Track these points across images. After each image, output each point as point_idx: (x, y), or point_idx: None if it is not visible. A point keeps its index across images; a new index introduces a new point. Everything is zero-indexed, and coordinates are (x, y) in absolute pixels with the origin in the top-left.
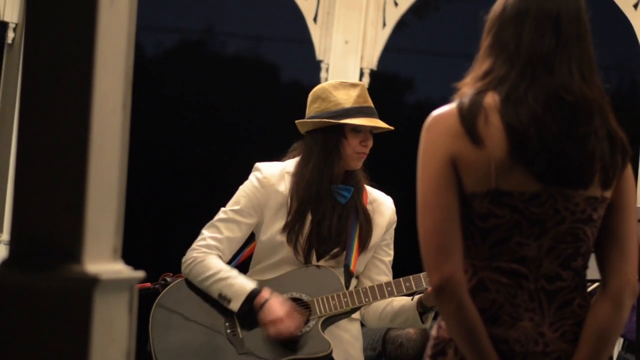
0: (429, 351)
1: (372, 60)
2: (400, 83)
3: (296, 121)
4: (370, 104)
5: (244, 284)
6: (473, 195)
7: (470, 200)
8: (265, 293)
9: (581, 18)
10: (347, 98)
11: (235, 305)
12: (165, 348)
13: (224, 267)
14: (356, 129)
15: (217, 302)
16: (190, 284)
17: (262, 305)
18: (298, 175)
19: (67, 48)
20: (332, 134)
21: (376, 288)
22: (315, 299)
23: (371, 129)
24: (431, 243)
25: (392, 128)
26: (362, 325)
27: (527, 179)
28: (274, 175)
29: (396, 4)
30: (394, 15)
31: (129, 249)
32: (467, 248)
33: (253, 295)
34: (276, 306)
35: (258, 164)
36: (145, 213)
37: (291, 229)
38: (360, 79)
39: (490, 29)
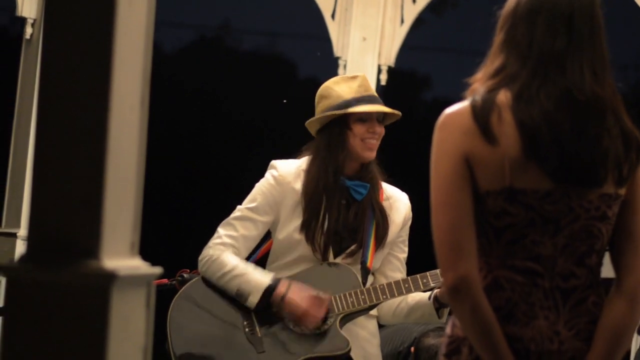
0: (443, 349)
1: (389, 57)
2: (418, 80)
3: (305, 123)
4: (373, 92)
5: (261, 278)
6: (487, 193)
7: (484, 198)
8: (282, 287)
9: (594, 16)
10: (348, 90)
11: (253, 300)
12: (185, 349)
13: (240, 264)
14: (361, 118)
15: (235, 301)
16: (206, 282)
17: (282, 300)
18: (307, 172)
19: (86, 45)
20: (337, 127)
21: (393, 285)
22: (333, 297)
23: (378, 117)
24: (445, 242)
25: (397, 112)
26: (380, 325)
27: (541, 177)
28: (290, 173)
29: (414, 1)
30: (412, 12)
31: (147, 245)
32: (482, 246)
33: (270, 290)
34: (296, 301)
35: (274, 162)
36: (163, 209)
37: (308, 226)
38: (378, 76)
39: (503, 25)
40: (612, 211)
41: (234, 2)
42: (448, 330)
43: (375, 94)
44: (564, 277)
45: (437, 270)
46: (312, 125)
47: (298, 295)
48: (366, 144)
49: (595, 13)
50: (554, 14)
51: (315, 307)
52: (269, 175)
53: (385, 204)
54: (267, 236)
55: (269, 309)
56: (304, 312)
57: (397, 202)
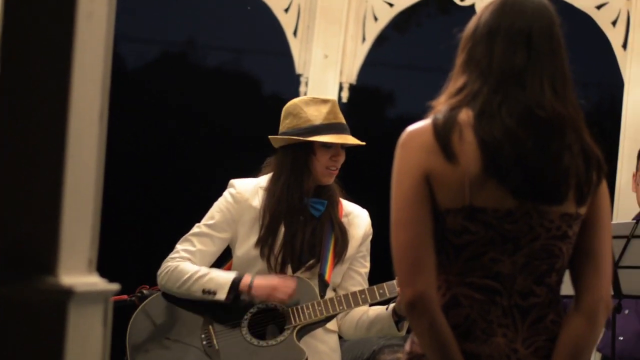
0: None
1: (351, 75)
2: (380, 97)
3: (269, 137)
4: (341, 120)
5: (225, 274)
6: (447, 211)
7: (444, 216)
8: (248, 278)
9: (554, 34)
10: (317, 115)
11: (221, 295)
12: None
13: (201, 267)
14: (326, 145)
15: (193, 315)
16: (166, 297)
17: (250, 286)
18: (269, 191)
19: (45, 60)
20: (301, 150)
21: (350, 296)
22: (290, 309)
23: (342, 145)
24: (404, 259)
25: (362, 144)
26: (341, 339)
27: (501, 196)
28: (247, 191)
29: (376, 19)
30: (373, 30)
31: (106, 261)
32: (441, 264)
33: (237, 281)
34: (265, 280)
35: (232, 181)
36: (122, 225)
37: (264, 243)
38: (340, 93)
39: (464, 46)
40: (573, 230)
41: (198, 18)
42: (407, 347)
43: (344, 121)
44: (523, 295)
45: (394, 281)
46: (276, 141)
47: (264, 279)
48: (328, 171)
49: (555, 32)
50: (512, 33)
51: (284, 282)
52: (227, 193)
53: (344, 220)
54: (226, 259)
55: (237, 301)
56: (274, 287)
57: (356, 218)
